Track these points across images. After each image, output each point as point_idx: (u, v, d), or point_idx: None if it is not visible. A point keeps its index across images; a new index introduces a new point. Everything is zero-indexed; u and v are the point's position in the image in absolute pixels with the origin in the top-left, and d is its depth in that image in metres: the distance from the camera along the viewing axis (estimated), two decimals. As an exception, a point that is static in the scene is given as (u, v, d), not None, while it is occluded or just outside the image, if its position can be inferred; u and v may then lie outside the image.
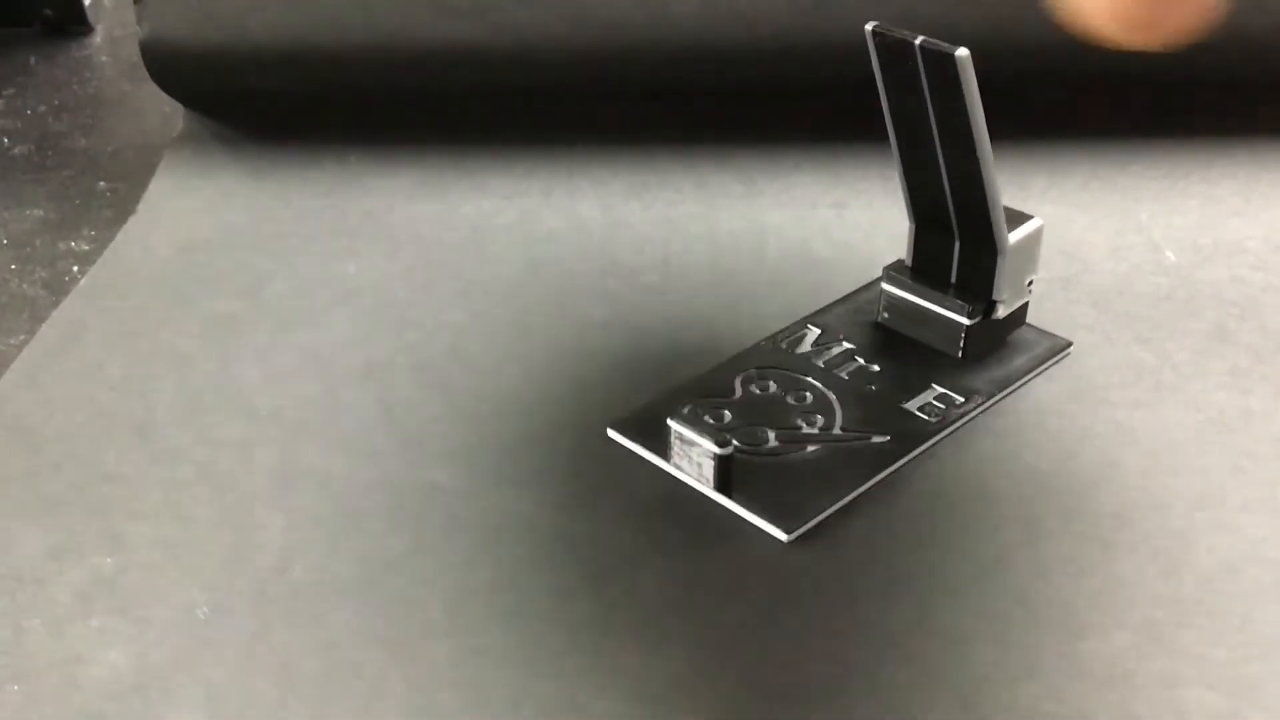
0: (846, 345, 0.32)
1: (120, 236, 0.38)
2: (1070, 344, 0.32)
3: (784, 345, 0.32)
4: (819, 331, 0.33)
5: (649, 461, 0.29)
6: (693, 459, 0.28)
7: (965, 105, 0.27)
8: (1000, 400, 0.30)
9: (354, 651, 0.24)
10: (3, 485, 0.28)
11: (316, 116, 0.42)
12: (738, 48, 0.40)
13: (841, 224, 0.38)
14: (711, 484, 0.27)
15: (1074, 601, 0.25)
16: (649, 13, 0.40)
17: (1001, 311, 0.31)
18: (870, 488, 0.28)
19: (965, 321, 0.31)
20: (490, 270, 0.36)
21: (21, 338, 0.34)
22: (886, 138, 0.30)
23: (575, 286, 0.35)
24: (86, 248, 0.39)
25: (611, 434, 0.30)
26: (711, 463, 0.27)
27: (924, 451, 0.29)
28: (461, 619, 0.25)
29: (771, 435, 0.29)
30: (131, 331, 0.33)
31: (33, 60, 0.52)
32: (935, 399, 0.30)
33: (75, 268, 0.38)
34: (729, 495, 0.27)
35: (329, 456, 0.29)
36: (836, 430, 0.29)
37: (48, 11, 0.54)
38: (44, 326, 0.34)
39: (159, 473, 0.29)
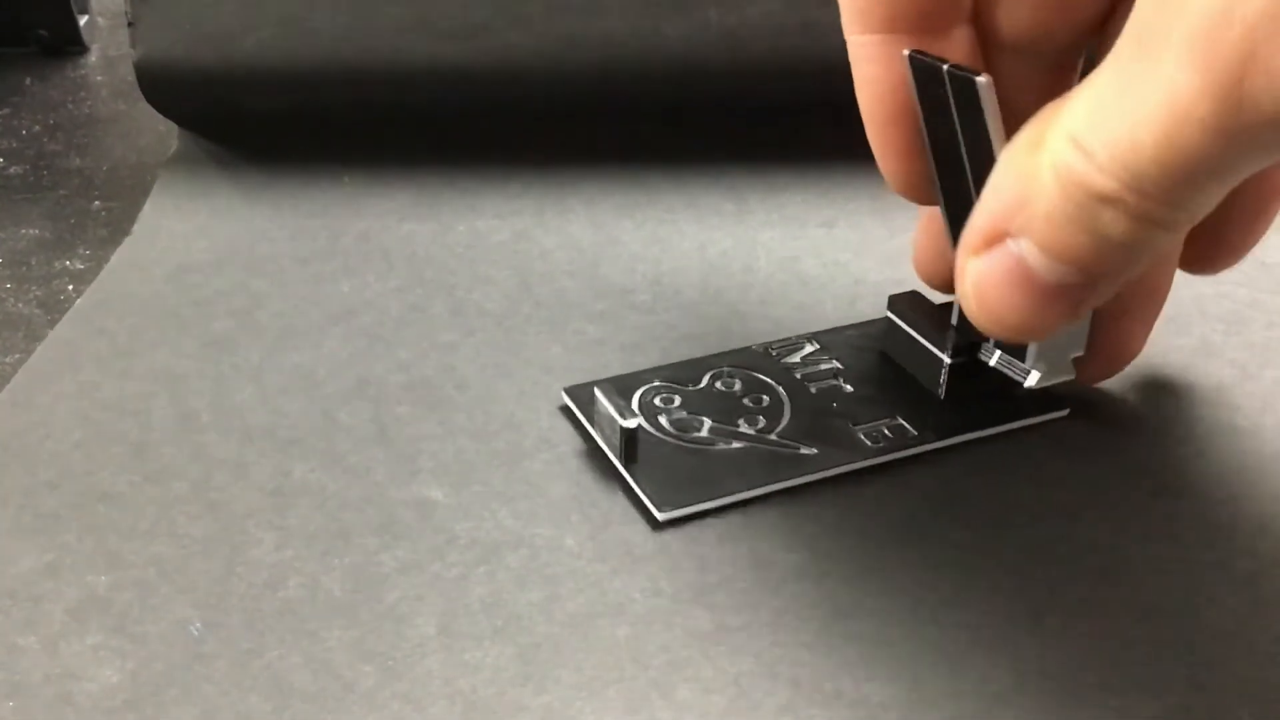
0: (835, 364, 0.32)
1: (115, 257, 0.38)
2: (1067, 410, 0.31)
3: (774, 353, 0.33)
4: (815, 348, 0.33)
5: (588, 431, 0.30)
6: (607, 431, 0.29)
7: (988, 133, 0.25)
8: (965, 441, 0.30)
9: (347, 667, 0.24)
10: (-2, 503, 0.29)
11: (310, 137, 0.42)
12: (728, 68, 0.41)
13: (831, 242, 0.39)
14: (619, 455, 0.28)
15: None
16: (640, 34, 0.40)
17: (1032, 380, 0.28)
18: (774, 493, 0.28)
19: (946, 360, 0.30)
20: (483, 289, 0.36)
21: (17, 356, 0.34)
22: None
23: (567, 304, 0.36)
24: (81, 267, 0.39)
25: (564, 398, 0.31)
26: (619, 435, 0.28)
27: (853, 472, 0.29)
28: (454, 634, 0.25)
29: (706, 426, 0.30)
30: (126, 351, 0.34)
31: (27, 80, 0.52)
32: (888, 428, 0.30)
33: (70, 287, 0.38)
34: (630, 468, 0.28)
35: (322, 474, 0.29)
36: (772, 436, 0.29)
37: (42, 32, 0.54)
38: (40, 345, 0.34)
39: (153, 491, 0.29)
